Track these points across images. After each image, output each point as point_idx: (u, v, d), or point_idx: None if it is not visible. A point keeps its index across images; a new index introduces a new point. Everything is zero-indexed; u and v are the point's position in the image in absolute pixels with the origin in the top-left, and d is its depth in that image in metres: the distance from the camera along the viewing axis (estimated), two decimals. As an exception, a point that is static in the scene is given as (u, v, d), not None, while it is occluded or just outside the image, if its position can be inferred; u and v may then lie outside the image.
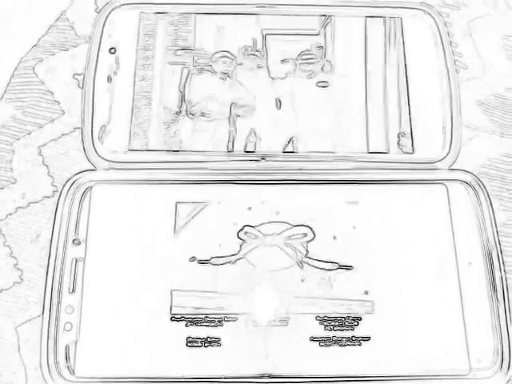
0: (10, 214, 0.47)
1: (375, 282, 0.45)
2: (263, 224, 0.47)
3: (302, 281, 0.45)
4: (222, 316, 0.44)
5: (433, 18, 0.55)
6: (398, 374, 0.43)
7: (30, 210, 0.47)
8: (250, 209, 0.47)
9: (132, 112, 0.50)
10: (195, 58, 0.52)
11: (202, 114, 0.47)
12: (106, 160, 0.49)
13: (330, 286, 0.45)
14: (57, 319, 0.44)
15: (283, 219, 0.47)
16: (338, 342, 0.44)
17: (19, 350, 0.43)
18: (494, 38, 0.55)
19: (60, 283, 0.45)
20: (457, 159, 0.50)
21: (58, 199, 0.47)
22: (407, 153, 0.48)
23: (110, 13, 0.53)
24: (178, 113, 0.47)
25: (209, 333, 0.44)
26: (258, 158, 0.49)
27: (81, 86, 0.51)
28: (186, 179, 0.48)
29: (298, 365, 0.43)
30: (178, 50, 0.52)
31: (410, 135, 0.47)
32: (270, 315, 0.44)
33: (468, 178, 0.49)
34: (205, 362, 0.43)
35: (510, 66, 0.54)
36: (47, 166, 0.49)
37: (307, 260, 0.46)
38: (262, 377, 0.43)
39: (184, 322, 0.44)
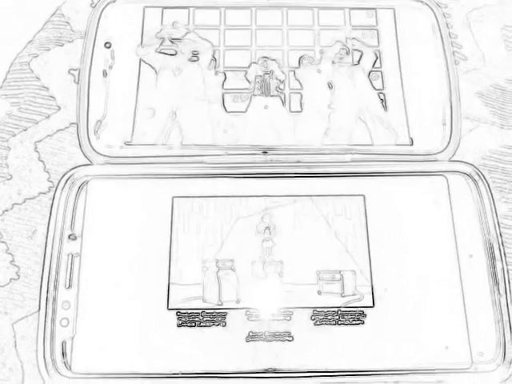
0: (6, 211, 0.47)
1: (375, 275, 0.45)
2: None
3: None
4: (223, 311, 0.44)
5: (431, 9, 0.54)
6: (399, 368, 0.43)
7: (26, 206, 0.47)
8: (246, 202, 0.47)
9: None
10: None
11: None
12: (102, 155, 0.49)
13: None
14: (53, 315, 0.44)
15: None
16: (339, 336, 0.43)
17: (16, 346, 0.43)
18: (494, 28, 0.54)
19: (56, 279, 0.44)
20: (457, 151, 0.50)
21: (54, 193, 0.47)
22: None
23: (104, 7, 0.53)
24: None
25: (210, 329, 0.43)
26: (258, 152, 0.49)
27: (76, 81, 0.51)
28: (183, 173, 0.48)
29: (301, 359, 0.43)
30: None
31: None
32: (273, 309, 0.44)
33: (468, 169, 0.49)
34: (205, 358, 0.43)
35: (509, 57, 0.53)
36: (43, 161, 0.48)
37: None
38: (266, 371, 0.43)
39: (181, 317, 0.44)
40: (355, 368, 0.43)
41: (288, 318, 0.44)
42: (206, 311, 0.44)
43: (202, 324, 0.43)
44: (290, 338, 0.43)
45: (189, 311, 0.44)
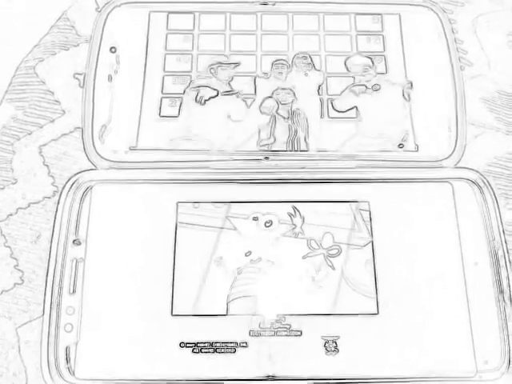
0: (11, 215, 0.47)
1: (380, 283, 0.45)
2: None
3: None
4: (226, 319, 0.44)
5: (437, 14, 0.54)
6: (403, 376, 0.43)
7: (31, 211, 0.47)
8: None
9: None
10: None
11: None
12: (107, 160, 0.48)
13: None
14: (57, 320, 0.44)
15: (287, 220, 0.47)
16: (343, 343, 0.43)
17: (20, 351, 0.43)
18: (499, 34, 0.54)
19: (60, 284, 0.44)
20: (462, 157, 0.49)
21: (59, 198, 0.47)
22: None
23: (110, 12, 0.53)
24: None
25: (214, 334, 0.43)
26: (261, 158, 0.49)
27: (81, 85, 0.51)
28: (187, 179, 0.48)
29: (301, 366, 0.43)
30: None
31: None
32: (275, 315, 0.44)
33: (474, 176, 0.49)
34: (207, 365, 0.43)
35: (515, 63, 0.53)
36: (48, 166, 0.48)
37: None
38: (268, 378, 0.43)
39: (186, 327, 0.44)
40: (359, 375, 0.43)
41: (289, 326, 0.44)
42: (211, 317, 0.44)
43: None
44: (293, 345, 0.43)
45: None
